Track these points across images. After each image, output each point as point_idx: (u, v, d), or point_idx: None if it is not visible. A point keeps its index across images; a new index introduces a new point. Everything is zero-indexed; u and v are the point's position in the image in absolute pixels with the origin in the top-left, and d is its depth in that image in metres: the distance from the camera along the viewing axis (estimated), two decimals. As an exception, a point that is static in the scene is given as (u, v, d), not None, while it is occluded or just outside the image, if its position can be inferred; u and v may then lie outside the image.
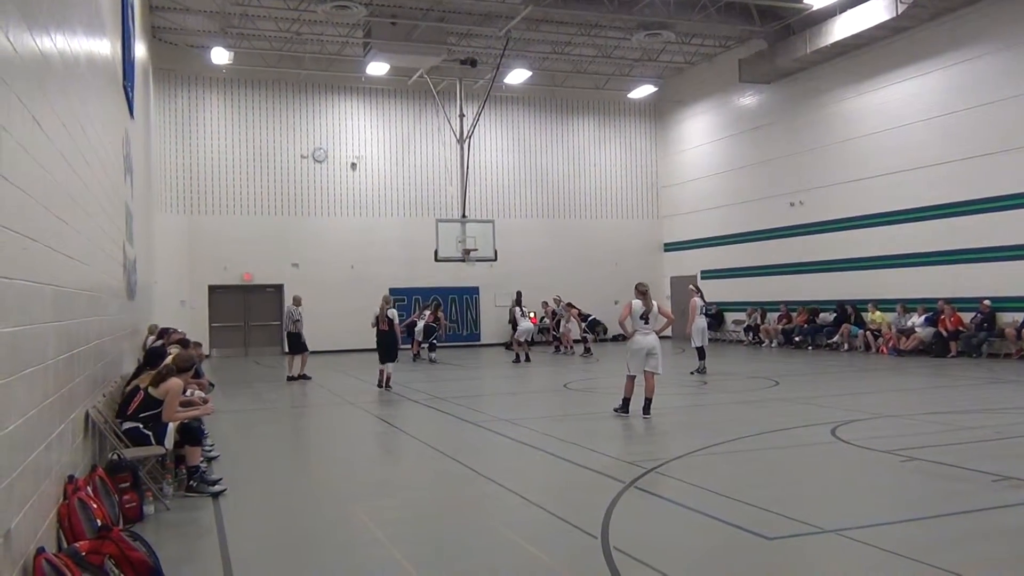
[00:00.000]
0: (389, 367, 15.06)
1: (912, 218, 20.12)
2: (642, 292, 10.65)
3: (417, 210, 27.05)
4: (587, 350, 22.51)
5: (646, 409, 10.44)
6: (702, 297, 16.45)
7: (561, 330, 23.72)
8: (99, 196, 7.58)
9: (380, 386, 14.96)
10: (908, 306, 19.92)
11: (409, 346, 21.90)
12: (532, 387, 16.03)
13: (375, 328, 15.52)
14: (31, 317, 4.16)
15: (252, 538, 5.91)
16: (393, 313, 15.46)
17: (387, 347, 15.13)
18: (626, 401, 10.65)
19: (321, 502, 6.93)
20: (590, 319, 23.41)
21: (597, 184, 29.48)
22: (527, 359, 20.60)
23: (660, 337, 10.80)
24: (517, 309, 22.93)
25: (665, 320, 10.78)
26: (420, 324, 22.08)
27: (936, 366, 16.93)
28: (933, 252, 19.59)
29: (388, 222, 26.75)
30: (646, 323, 10.51)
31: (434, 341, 21.91)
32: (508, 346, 24.38)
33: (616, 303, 25.49)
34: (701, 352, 16.11)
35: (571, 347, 23.29)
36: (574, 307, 23.48)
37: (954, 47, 19.11)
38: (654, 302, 10.67)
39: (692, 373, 15.90)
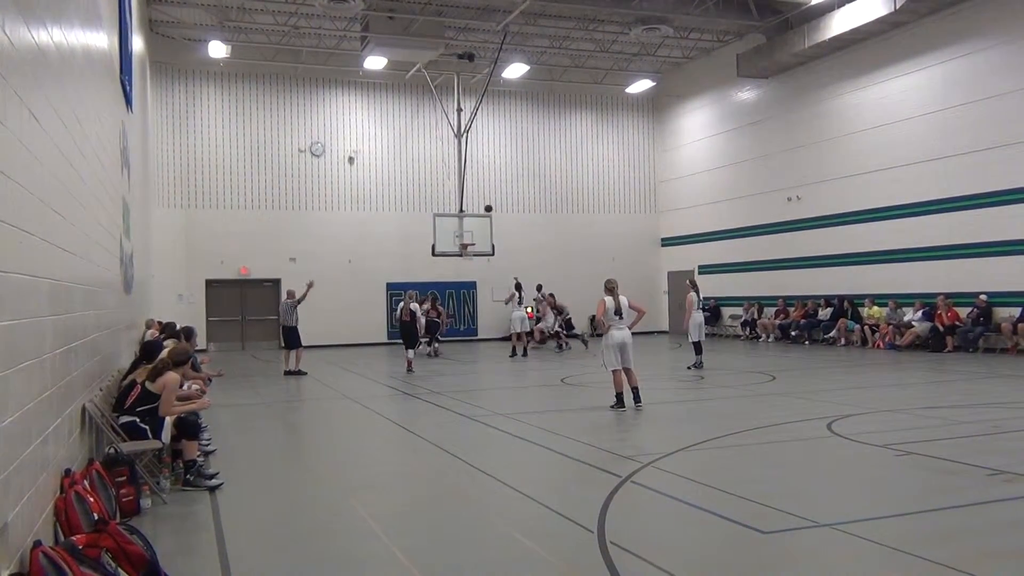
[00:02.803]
0: (412, 352, 17.36)
1: (909, 213, 20.12)
2: (609, 289, 11.07)
3: (414, 204, 27.02)
4: (560, 346, 22.41)
5: (636, 398, 10.93)
6: (699, 292, 16.46)
7: (540, 325, 23.47)
8: (96, 190, 7.57)
9: (409, 371, 16.90)
10: (905, 301, 19.94)
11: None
12: (529, 382, 16.05)
13: (400, 319, 18.17)
14: (27, 311, 4.16)
15: (249, 532, 5.92)
16: (415, 306, 18.09)
17: (409, 335, 17.65)
18: (619, 396, 10.87)
19: (318, 496, 6.95)
20: (565, 313, 23.18)
21: (595, 179, 29.46)
22: (524, 353, 20.60)
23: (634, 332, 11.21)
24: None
25: (636, 314, 11.13)
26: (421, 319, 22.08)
27: (932, 361, 16.96)
28: (930, 247, 19.60)
29: (385, 216, 26.73)
30: (620, 318, 10.95)
31: (438, 336, 21.93)
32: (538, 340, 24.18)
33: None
34: (698, 347, 16.13)
35: (543, 340, 23.10)
36: (552, 297, 23.25)
37: (952, 42, 19.10)
38: (623, 297, 11.05)
39: (689, 368, 15.95)
